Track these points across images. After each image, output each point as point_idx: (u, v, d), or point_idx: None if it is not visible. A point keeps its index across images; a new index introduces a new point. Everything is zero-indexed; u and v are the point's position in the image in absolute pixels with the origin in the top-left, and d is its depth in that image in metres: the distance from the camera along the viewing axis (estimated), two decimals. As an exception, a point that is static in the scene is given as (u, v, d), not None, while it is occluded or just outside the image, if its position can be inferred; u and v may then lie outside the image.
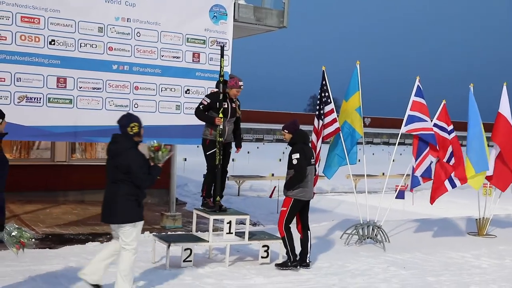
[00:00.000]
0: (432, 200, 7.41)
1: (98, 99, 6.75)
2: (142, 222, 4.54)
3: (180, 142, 7.37)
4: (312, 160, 5.89)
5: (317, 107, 7.22)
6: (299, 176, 5.72)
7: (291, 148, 5.93)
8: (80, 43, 6.59)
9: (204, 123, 5.96)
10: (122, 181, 4.42)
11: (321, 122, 7.11)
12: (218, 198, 6.01)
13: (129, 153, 4.41)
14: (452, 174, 7.45)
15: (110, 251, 4.58)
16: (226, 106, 5.92)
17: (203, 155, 6.02)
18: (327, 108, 7.12)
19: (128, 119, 4.51)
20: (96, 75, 6.73)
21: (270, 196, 12.05)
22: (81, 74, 6.65)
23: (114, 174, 4.42)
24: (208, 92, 6.68)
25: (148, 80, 7.08)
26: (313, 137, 7.11)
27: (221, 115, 5.82)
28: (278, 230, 5.89)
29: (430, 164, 7.20)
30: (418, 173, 7.23)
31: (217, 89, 5.94)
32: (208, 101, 5.87)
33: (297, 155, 5.77)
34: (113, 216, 4.43)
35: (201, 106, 5.91)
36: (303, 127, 6.13)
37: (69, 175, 9.94)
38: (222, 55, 6.08)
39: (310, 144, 6.04)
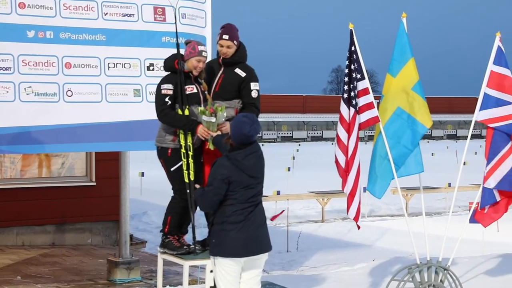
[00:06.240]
0: (484, 220, 7.34)
1: (7, 85, 6.83)
2: None
3: (143, 147, 7.40)
4: None
5: (345, 87, 7.17)
6: (258, 115, 6.10)
7: (229, 68, 6.15)
8: (-27, -1, 6.68)
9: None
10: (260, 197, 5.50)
11: (352, 109, 7.02)
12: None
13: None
14: None
15: None
16: (194, 90, 6.03)
17: (164, 171, 6.12)
18: (360, 87, 7.06)
19: (258, 123, 5.31)
20: (2, 48, 6.82)
21: (272, 219, 12.09)
22: (-23, 48, 6.71)
23: (261, 192, 5.44)
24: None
25: (86, 52, 7.16)
26: (340, 131, 7.07)
27: (187, 110, 5.91)
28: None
29: None
30: (490, 183, 7.14)
31: (168, 70, 6.06)
32: (172, 88, 5.95)
33: (257, 85, 6.21)
34: (268, 242, 5.43)
35: (167, 99, 5.93)
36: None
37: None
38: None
39: None
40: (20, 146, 7.01)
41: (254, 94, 6.16)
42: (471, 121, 7.38)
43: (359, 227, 7.10)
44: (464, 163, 7.79)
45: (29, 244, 10.27)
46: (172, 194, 6.18)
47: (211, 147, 5.92)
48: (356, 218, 6.98)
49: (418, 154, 7.07)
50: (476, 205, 7.40)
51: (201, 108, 5.86)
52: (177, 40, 6.13)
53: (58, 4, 7.02)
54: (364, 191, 8.17)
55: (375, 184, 7.09)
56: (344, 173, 6.97)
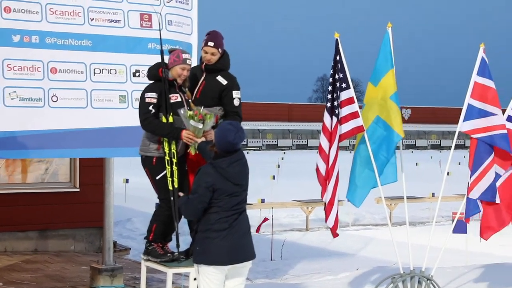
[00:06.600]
0: (486, 233, 7.39)
1: (-9, 89, 6.78)
2: None
3: (127, 154, 7.37)
4: None
5: (329, 96, 7.20)
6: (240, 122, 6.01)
7: (210, 75, 6.19)
8: (-41, 3, 6.64)
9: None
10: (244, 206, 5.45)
11: (335, 119, 7.07)
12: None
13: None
14: None
15: None
16: (178, 99, 6.02)
17: (149, 180, 6.11)
18: (344, 96, 7.10)
19: (242, 130, 5.32)
20: (-13, 53, 6.78)
21: (257, 230, 12.13)
22: (-39, 52, 6.68)
23: (245, 200, 5.41)
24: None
25: (71, 57, 7.13)
26: (323, 140, 7.10)
27: (171, 118, 5.90)
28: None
29: (495, 180, 7.19)
30: (475, 194, 7.17)
31: (152, 79, 6.06)
32: (156, 96, 5.95)
33: (239, 93, 6.22)
34: (252, 250, 5.43)
35: (151, 108, 5.93)
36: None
37: None
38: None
39: None
40: (4, 151, 6.96)
41: (236, 102, 6.19)
42: (455, 131, 7.44)
43: (335, 236, 7.13)
44: (448, 173, 7.85)
45: (12, 250, 10.19)
46: (157, 202, 6.17)
47: (193, 151, 5.92)
48: (335, 227, 7.02)
49: (394, 164, 7.14)
50: (462, 214, 7.46)
51: (190, 112, 5.85)
52: (161, 47, 6.13)
53: (44, 9, 7.00)
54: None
55: (354, 193, 7.15)
56: (324, 181, 7.02)
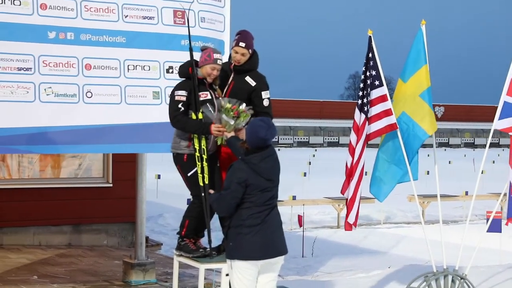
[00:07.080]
0: None
1: (27, 85, 6.87)
2: None
3: (160, 150, 7.40)
4: None
5: (360, 93, 7.18)
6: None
7: (239, 76, 6.17)
8: (-5, -1, 6.73)
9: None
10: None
11: (363, 116, 7.05)
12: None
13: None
14: None
15: None
16: (208, 96, 6.05)
17: (181, 177, 6.16)
18: (376, 94, 7.06)
19: (274, 127, 5.37)
20: (23, 49, 6.87)
21: (300, 225, 12.21)
22: (-2, 47, 6.77)
23: (276, 195, 5.44)
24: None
25: (106, 54, 7.19)
26: (352, 137, 7.10)
27: (201, 115, 5.92)
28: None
29: None
30: None
31: (182, 76, 6.10)
32: (186, 94, 5.98)
33: (268, 93, 6.20)
34: (284, 245, 5.46)
35: (180, 106, 5.97)
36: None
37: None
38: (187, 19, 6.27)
39: None
40: (39, 147, 7.06)
41: (266, 102, 6.22)
42: (489, 129, 7.35)
43: (349, 229, 7.17)
44: (482, 172, 7.76)
45: (46, 244, 10.34)
46: (188, 198, 6.21)
47: (219, 141, 5.95)
48: (355, 224, 7.10)
49: (416, 162, 7.10)
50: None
51: (229, 105, 5.88)
52: (190, 45, 6.17)
53: (79, 6, 7.07)
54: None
55: (379, 187, 7.16)
56: (348, 175, 7.07)
